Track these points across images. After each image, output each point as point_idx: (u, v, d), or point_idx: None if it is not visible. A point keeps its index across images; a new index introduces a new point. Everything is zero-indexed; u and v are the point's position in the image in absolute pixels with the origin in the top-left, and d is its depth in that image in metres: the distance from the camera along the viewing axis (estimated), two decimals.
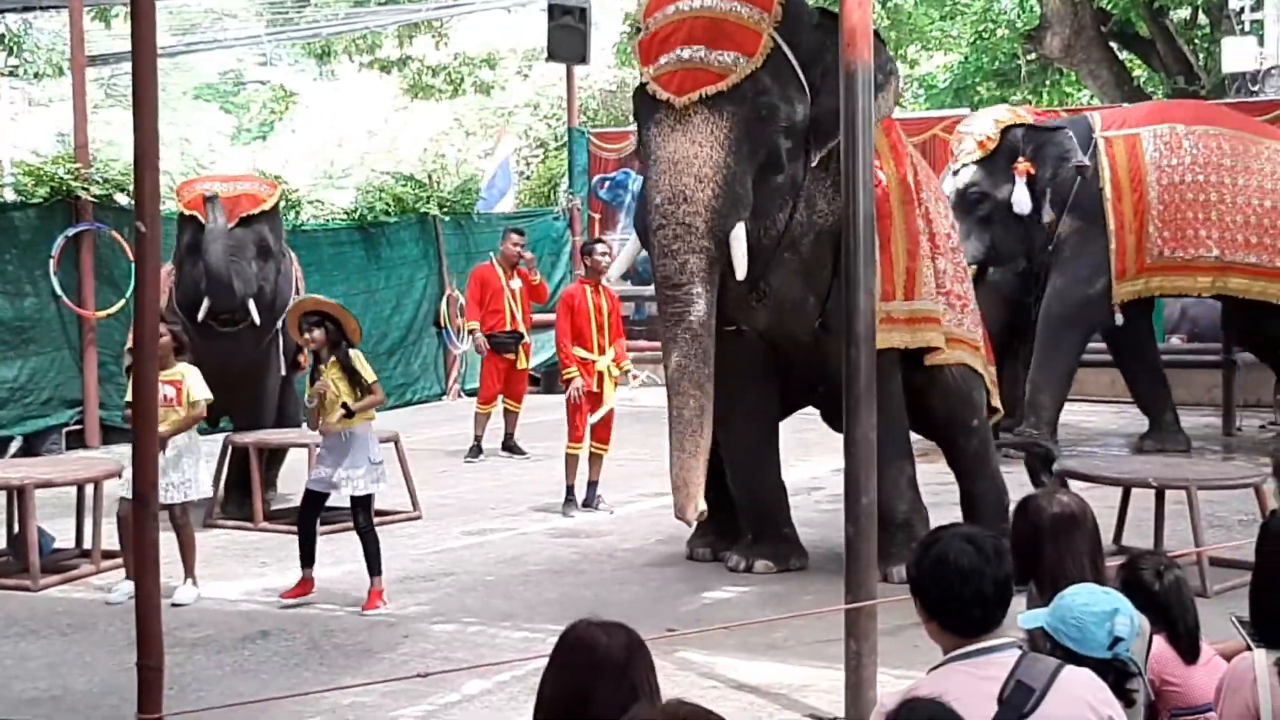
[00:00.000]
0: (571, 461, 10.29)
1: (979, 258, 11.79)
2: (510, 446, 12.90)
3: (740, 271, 7.35)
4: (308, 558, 7.90)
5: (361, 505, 7.82)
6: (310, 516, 7.92)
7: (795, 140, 7.54)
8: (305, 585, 7.87)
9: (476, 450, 12.72)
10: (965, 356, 8.33)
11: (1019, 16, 22.82)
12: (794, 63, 7.46)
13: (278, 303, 10.21)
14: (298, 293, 10.56)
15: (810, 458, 11.23)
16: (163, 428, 7.64)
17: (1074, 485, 8.09)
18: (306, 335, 7.82)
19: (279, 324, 10.18)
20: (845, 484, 5.80)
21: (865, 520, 5.76)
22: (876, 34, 8.07)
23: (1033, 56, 22.81)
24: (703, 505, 7.34)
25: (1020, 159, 11.65)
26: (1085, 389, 15.59)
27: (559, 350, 10.35)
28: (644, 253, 8.22)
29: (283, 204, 15.16)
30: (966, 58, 23.78)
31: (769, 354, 8.22)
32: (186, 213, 9.99)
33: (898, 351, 7.95)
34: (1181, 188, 11.62)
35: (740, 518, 8.52)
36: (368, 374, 7.81)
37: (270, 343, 10.33)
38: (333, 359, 7.79)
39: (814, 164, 7.57)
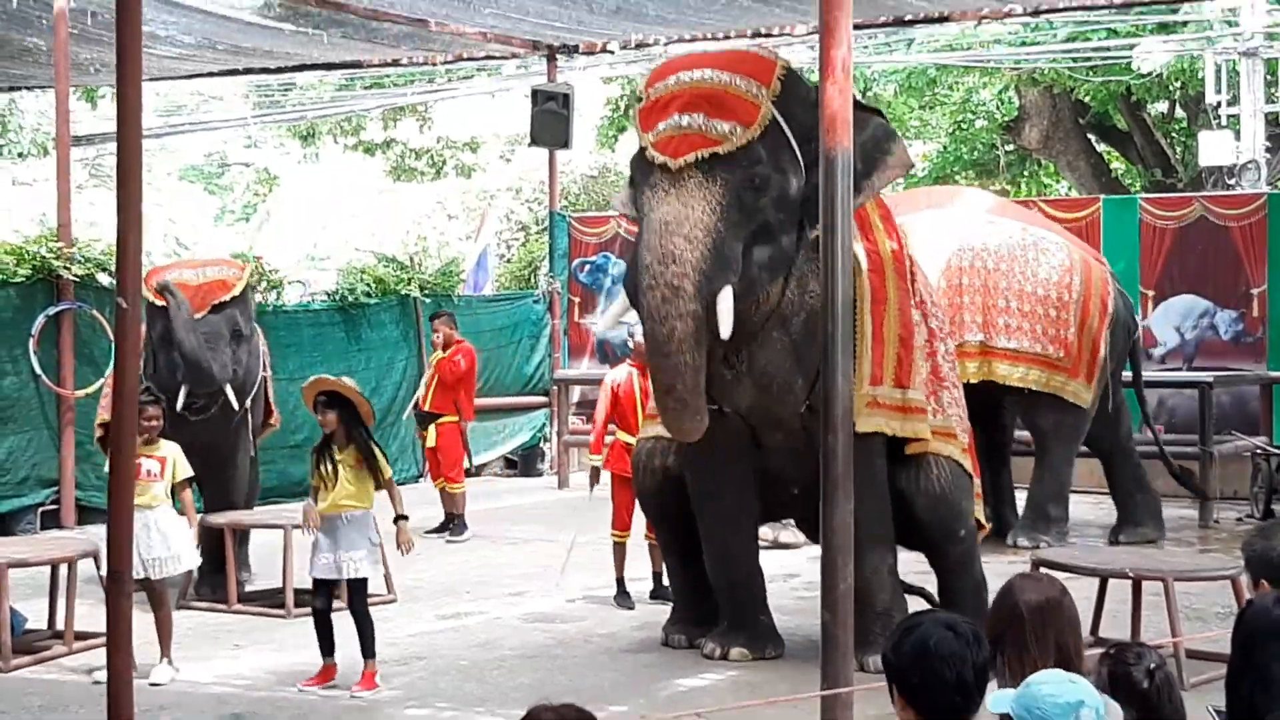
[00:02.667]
0: (618, 550, 10.01)
1: None
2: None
3: (724, 332, 7.36)
4: (328, 646, 7.84)
5: (358, 588, 7.79)
6: (324, 605, 7.85)
7: (788, 214, 7.59)
8: (328, 672, 7.80)
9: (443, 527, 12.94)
10: (955, 453, 8.26)
11: (998, 107, 23.05)
12: (790, 138, 7.54)
13: (248, 382, 10.24)
14: (266, 369, 10.64)
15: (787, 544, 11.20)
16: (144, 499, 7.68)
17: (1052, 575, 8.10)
18: (320, 416, 7.79)
19: (248, 402, 10.21)
20: (822, 570, 5.79)
21: (842, 607, 5.74)
22: (879, 110, 8.17)
23: (1011, 147, 23.05)
24: (706, 420, 7.46)
25: None
26: None
27: (593, 435, 10.16)
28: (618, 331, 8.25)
29: (262, 283, 15.25)
30: (945, 147, 24.01)
31: (750, 437, 8.20)
32: (156, 302, 9.94)
33: (883, 439, 7.95)
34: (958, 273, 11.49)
35: (717, 604, 8.48)
36: (385, 470, 7.81)
37: (240, 422, 10.32)
38: (351, 446, 7.77)
39: (809, 239, 7.60)
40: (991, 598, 4.26)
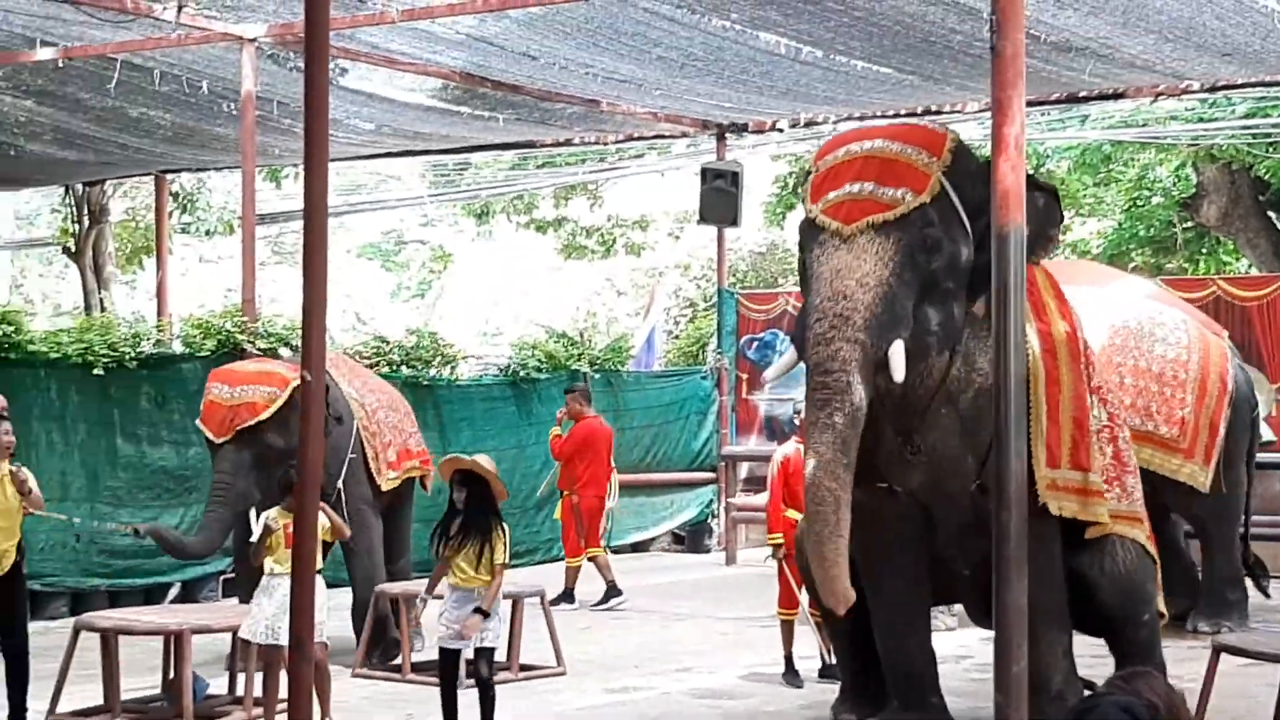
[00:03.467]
0: (786, 628, 9.96)
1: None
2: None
3: (898, 375, 7.25)
4: (451, 715, 7.94)
5: (486, 657, 7.88)
6: (452, 675, 7.96)
7: (957, 282, 7.54)
8: None
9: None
10: (1140, 537, 8.05)
11: (1175, 184, 22.65)
12: (959, 208, 7.52)
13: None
14: (357, 450, 10.56)
15: (961, 624, 11.05)
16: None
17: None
18: (455, 494, 7.94)
19: (338, 485, 10.22)
20: (995, 651, 5.73)
21: (1015, 690, 5.67)
22: (1054, 191, 8.11)
23: (1189, 224, 22.63)
24: (851, 595, 7.28)
25: None
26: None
27: (769, 515, 10.09)
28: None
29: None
30: (1121, 224, 23.62)
31: (922, 516, 8.12)
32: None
33: (1060, 522, 7.81)
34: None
35: (887, 684, 8.39)
36: (498, 555, 7.83)
37: (337, 503, 10.13)
38: (471, 522, 7.87)
39: (974, 314, 7.54)
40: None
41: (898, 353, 7.27)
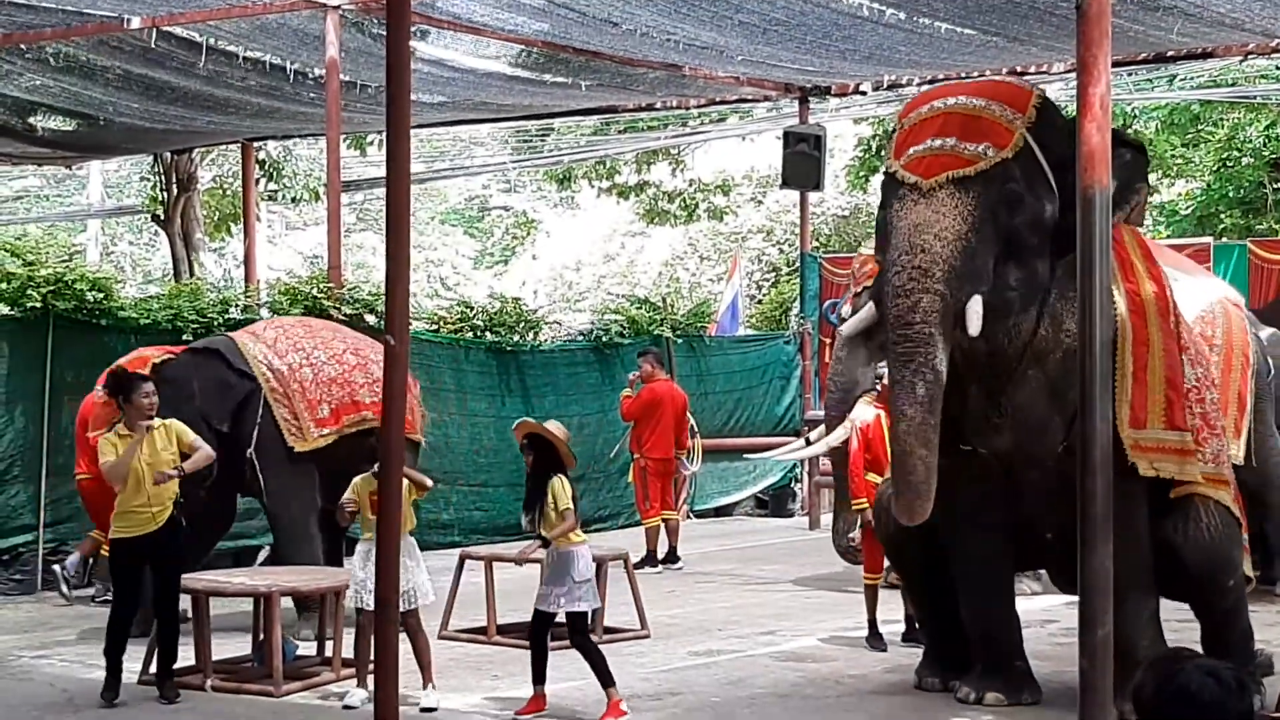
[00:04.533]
0: (870, 592, 9.94)
1: (879, 386, 11.37)
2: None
3: (974, 329, 7.25)
4: (540, 675, 8.01)
5: (579, 622, 7.93)
6: (542, 635, 8.04)
7: (1041, 239, 7.49)
8: (538, 701, 7.98)
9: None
10: (1226, 499, 7.95)
11: (1265, 144, 22.30)
12: (1044, 165, 7.47)
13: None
14: (266, 415, 10.45)
15: (1045, 589, 10.99)
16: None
17: None
18: (526, 458, 8.02)
19: (249, 453, 10.35)
20: (1080, 615, 5.71)
21: (1101, 654, 5.65)
22: (1141, 146, 8.01)
23: (1279, 185, 22.27)
24: (929, 507, 7.34)
25: None
26: None
27: (852, 480, 10.14)
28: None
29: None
30: (1209, 185, 23.30)
31: (1006, 480, 8.08)
32: None
33: (1146, 484, 7.74)
34: None
35: (971, 648, 8.38)
36: (562, 500, 7.88)
37: (253, 471, 10.42)
38: (538, 481, 7.96)
39: (1060, 271, 7.50)
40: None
41: (975, 306, 7.24)
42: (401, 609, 8.04)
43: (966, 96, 7.69)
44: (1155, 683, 3.30)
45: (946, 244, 7.28)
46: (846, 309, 11.27)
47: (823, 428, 11.09)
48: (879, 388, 10.05)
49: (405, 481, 8.16)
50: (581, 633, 7.96)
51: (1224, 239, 20.32)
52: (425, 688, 8.11)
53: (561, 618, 8.06)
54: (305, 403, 10.50)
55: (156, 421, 8.42)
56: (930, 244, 7.29)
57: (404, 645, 8.05)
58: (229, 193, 23.03)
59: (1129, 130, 21.21)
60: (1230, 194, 22.74)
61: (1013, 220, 7.43)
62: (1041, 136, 7.50)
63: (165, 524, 8.31)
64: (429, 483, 8.48)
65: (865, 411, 10.13)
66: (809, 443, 11.21)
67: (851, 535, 10.34)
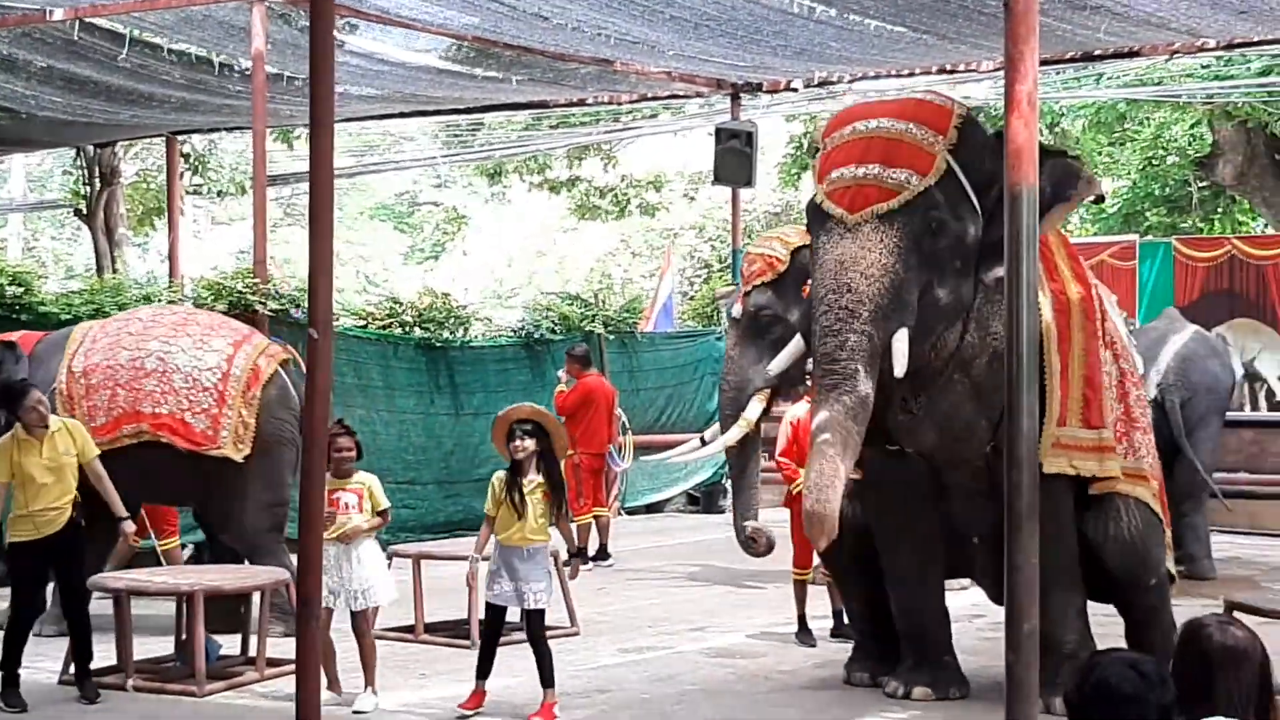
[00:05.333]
0: (800, 588, 10.02)
1: (772, 383, 11.47)
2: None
3: (899, 370, 7.28)
4: (485, 670, 7.94)
5: (538, 618, 7.88)
6: (495, 631, 7.97)
7: (964, 260, 7.53)
8: (479, 696, 7.93)
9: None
10: (1146, 496, 8.06)
11: (1190, 143, 22.55)
12: (966, 185, 7.50)
13: None
14: None
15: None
16: (347, 528, 7.90)
17: (1244, 619, 7.86)
18: (517, 443, 7.79)
19: None
20: (1007, 610, 5.71)
21: (1027, 648, 5.64)
22: (1064, 152, 8.05)
23: (1204, 184, 22.52)
24: (834, 533, 7.22)
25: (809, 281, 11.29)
26: (1261, 521, 15.20)
27: (781, 469, 10.20)
28: None
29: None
30: (1136, 184, 23.55)
31: (935, 480, 8.13)
32: None
33: (1069, 482, 7.81)
34: None
35: (900, 643, 8.41)
36: (562, 504, 7.90)
37: None
38: (544, 472, 7.84)
39: (986, 284, 7.54)
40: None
41: (900, 345, 7.29)
42: (353, 609, 8.00)
43: (889, 119, 7.67)
44: (1078, 677, 3.32)
45: (872, 281, 7.30)
46: (737, 308, 11.36)
47: (717, 427, 11.16)
48: (810, 381, 10.07)
49: (370, 491, 8.12)
50: (542, 628, 7.91)
51: (1150, 237, 20.54)
52: (365, 689, 8.04)
53: (514, 615, 8.00)
54: (88, 407, 9.64)
55: (56, 422, 8.30)
56: (856, 283, 7.30)
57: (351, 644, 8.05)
58: (153, 187, 22.77)
59: (1056, 129, 21.40)
60: (1156, 192, 23.00)
61: (937, 246, 7.46)
62: (964, 156, 7.53)
63: (65, 526, 8.19)
64: (383, 518, 8.35)
65: (799, 408, 10.15)
66: (704, 442, 11.26)
67: (747, 524, 10.35)
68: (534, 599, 7.82)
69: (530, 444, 7.76)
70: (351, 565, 7.99)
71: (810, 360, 9.09)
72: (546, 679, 7.78)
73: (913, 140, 7.51)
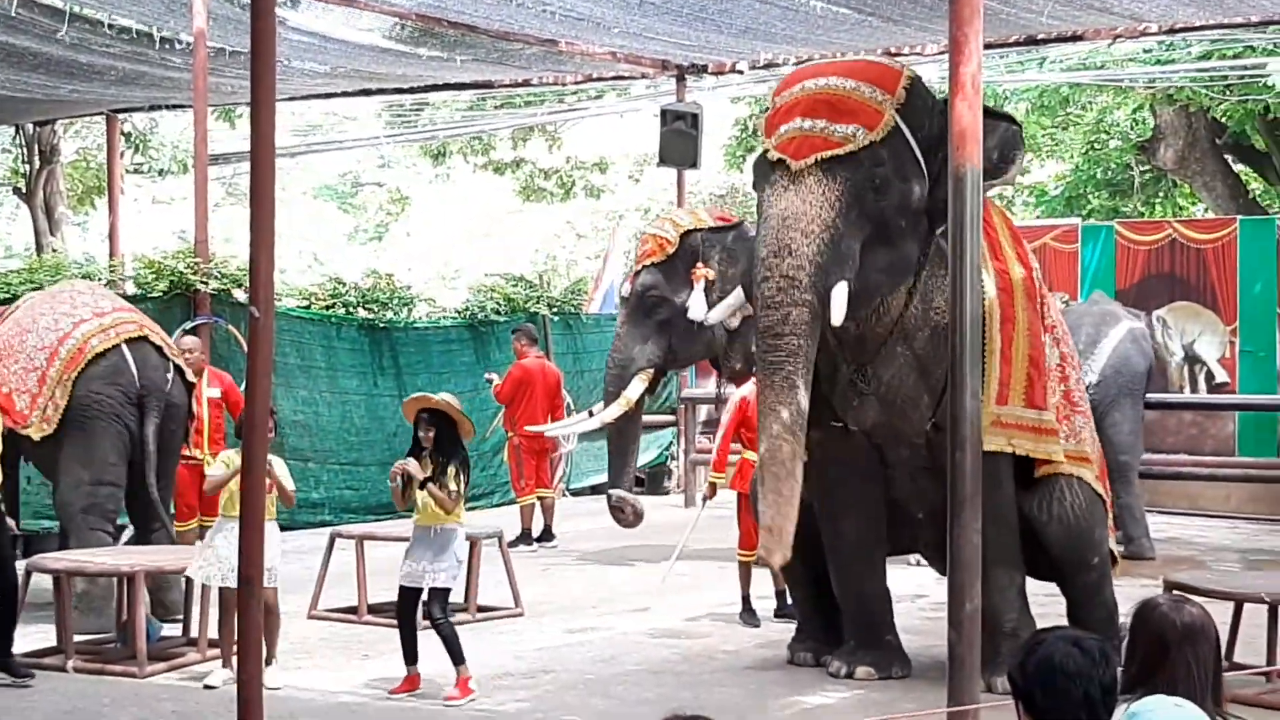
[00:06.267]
0: (744, 569, 10.02)
1: (656, 363, 11.61)
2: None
3: (836, 319, 7.31)
4: (412, 655, 7.94)
5: (439, 597, 7.88)
6: (410, 613, 7.96)
7: (910, 221, 7.56)
8: (412, 681, 7.91)
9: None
10: (1088, 477, 8.11)
11: (1132, 127, 22.69)
12: (914, 145, 7.52)
13: None
14: None
15: (919, 561, 11.10)
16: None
17: None
18: (420, 433, 7.85)
19: None
20: (949, 589, 5.75)
21: (969, 627, 5.69)
22: (1013, 119, 8.08)
23: (1146, 168, 22.67)
24: (789, 553, 7.29)
25: (699, 264, 11.40)
26: (1200, 503, 15.36)
27: (717, 454, 10.23)
28: None
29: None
30: (1078, 167, 23.68)
31: (876, 457, 8.16)
32: None
33: (1011, 461, 7.85)
34: None
35: (843, 623, 8.44)
36: (453, 485, 7.83)
37: None
38: (439, 459, 7.84)
39: (933, 252, 7.58)
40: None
41: (839, 296, 7.30)
42: (227, 584, 7.91)
43: (838, 77, 7.71)
44: (1022, 655, 3.33)
45: (813, 239, 7.31)
46: (626, 286, 11.45)
47: (602, 402, 11.34)
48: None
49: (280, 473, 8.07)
50: (444, 609, 7.91)
51: (1092, 220, 20.66)
52: (267, 665, 8.02)
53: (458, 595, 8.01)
54: None
55: None
56: (797, 243, 7.31)
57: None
58: (93, 165, 22.52)
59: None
60: (1098, 176, 23.13)
61: (880, 203, 7.48)
62: (910, 117, 7.55)
63: None
64: (290, 494, 8.26)
65: (747, 388, 10.18)
66: (591, 415, 11.47)
67: (614, 493, 10.43)
68: (434, 578, 7.82)
69: (431, 434, 7.82)
70: (233, 542, 7.86)
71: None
72: (456, 657, 7.79)
73: (860, 98, 7.53)
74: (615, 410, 11.50)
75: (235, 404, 10.65)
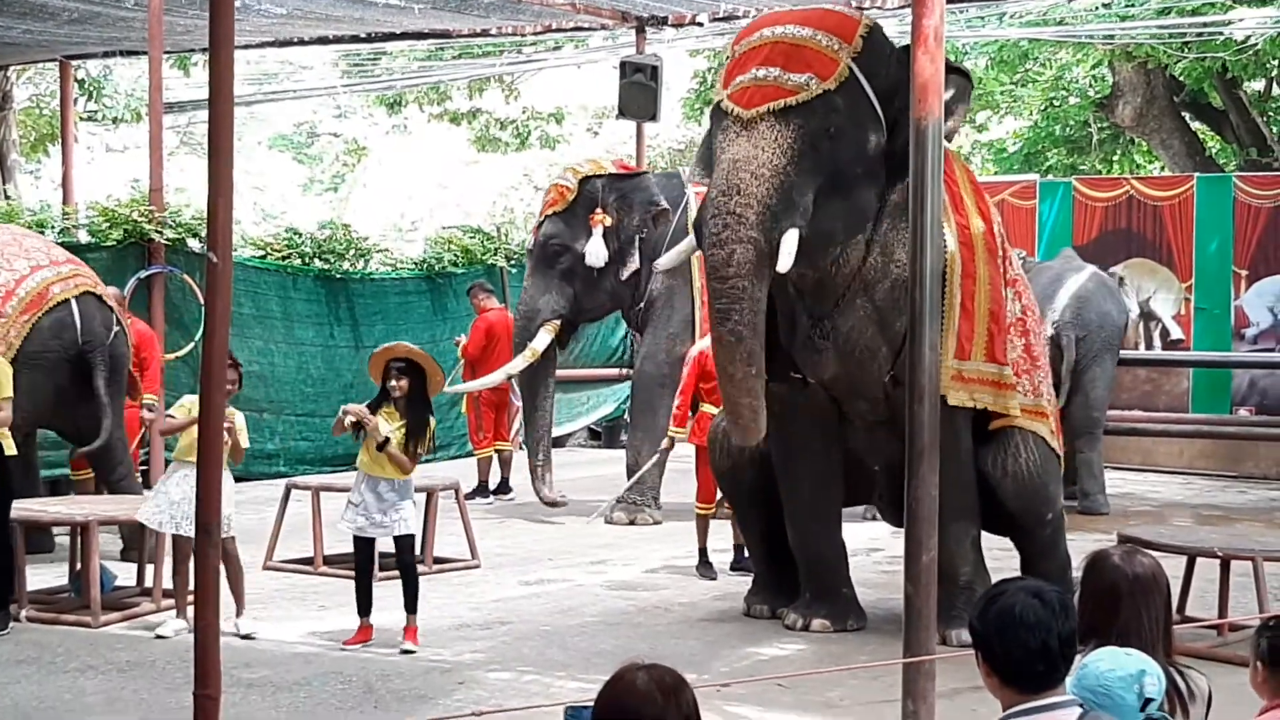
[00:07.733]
0: (702, 522, 10.02)
1: (561, 313, 11.62)
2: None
3: (783, 265, 7.31)
4: (366, 606, 7.93)
5: (408, 544, 7.91)
6: (367, 564, 7.95)
7: (867, 170, 7.56)
8: (366, 632, 7.91)
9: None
10: (1044, 432, 8.16)
11: (1091, 84, 22.74)
12: (870, 94, 7.50)
13: None
14: None
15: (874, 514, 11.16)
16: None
17: None
18: (394, 383, 7.80)
19: None
20: (906, 541, 5.77)
21: (925, 579, 5.71)
22: (964, 70, 8.07)
23: (1104, 125, 22.73)
24: (764, 429, 7.52)
25: (597, 210, 11.37)
26: (1153, 459, 15.47)
27: (676, 408, 10.22)
28: None
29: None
30: (1037, 124, 23.72)
31: (834, 410, 8.17)
32: None
33: (969, 415, 7.88)
34: None
35: (800, 576, 8.47)
36: (421, 446, 7.83)
37: None
38: (410, 418, 7.79)
39: (893, 202, 7.57)
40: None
41: (789, 243, 7.30)
42: (182, 532, 7.86)
43: (795, 25, 7.67)
44: (982, 606, 3.33)
45: (763, 182, 7.30)
46: (530, 238, 11.46)
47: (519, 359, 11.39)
48: None
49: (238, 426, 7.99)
50: (411, 554, 7.92)
51: (1050, 176, 20.72)
52: (240, 615, 7.99)
53: (386, 545, 7.98)
54: None
55: None
56: (746, 184, 7.29)
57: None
58: (46, 112, 22.23)
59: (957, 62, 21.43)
60: (1056, 133, 23.17)
61: (835, 152, 7.47)
62: (868, 66, 7.52)
63: None
64: (242, 450, 8.17)
65: (705, 343, 10.15)
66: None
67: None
68: (402, 526, 7.83)
69: (405, 383, 7.77)
70: (186, 490, 7.80)
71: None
72: (410, 605, 7.82)
73: (816, 46, 7.50)
74: (520, 362, 11.52)
75: (147, 358, 10.72)
